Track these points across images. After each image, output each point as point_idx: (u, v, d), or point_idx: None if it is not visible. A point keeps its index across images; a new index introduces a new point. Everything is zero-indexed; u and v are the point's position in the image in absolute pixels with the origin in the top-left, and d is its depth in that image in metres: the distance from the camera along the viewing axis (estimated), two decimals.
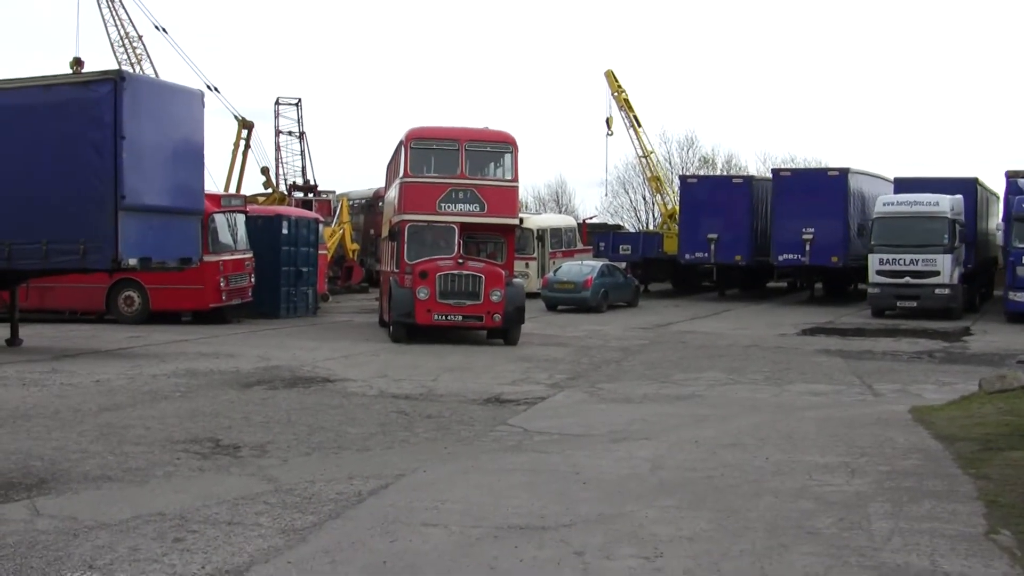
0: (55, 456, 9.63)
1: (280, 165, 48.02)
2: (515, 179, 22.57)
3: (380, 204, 36.12)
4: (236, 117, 44.77)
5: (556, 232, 41.77)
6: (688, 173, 59.64)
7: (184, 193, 19.03)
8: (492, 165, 22.85)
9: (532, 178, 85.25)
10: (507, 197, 22.43)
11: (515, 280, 22.43)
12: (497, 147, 22.72)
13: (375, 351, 19.85)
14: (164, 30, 43.75)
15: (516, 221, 23.36)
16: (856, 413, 12.57)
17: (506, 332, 21.55)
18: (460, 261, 21.27)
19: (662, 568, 6.42)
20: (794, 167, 59.23)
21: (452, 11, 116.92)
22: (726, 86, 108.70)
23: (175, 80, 27.47)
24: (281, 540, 7.02)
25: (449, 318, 21.07)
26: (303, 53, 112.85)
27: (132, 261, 17.76)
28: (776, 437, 10.71)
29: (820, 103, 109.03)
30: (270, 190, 45.96)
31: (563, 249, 40.98)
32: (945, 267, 29.01)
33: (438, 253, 21.60)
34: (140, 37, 45.14)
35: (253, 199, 39.44)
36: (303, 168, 48.13)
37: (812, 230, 33.74)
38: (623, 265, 38.79)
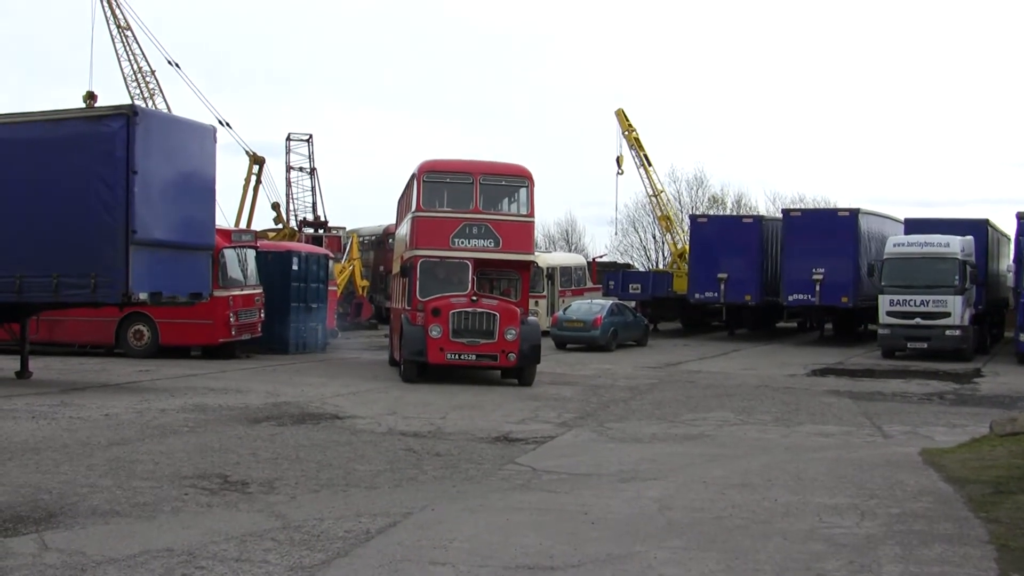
0: (63, 490, 9.62)
1: (291, 201, 48.32)
2: (531, 214, 21.96)
3: (390, 241, 36.15)
4: (247, 152, 45.15)
5: (566, 270, 41.82)
6: (698, 212, 59.89)
7: (195, 228, 19.07)
8: (507, 200, 22.39)
9: (542, 216, 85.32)
10: (523, 232, 21.82)
11: (530, 318, 21.84)
12: (512, 181, 22.11)
13: (384, 388, 19.81)
14: (177, 65, 44.28)
15: (532, 257, 22.84)
16: (866, 455, 12.51)
17: (521, 371, 20.91)
18: (474, 298, 20.60)
19: None
20: (804, 207, 59.40)
21: (464, 49, 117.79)
22: (736, 125, 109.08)
23: (187, 115, 27.61)
24: None
25: (463, 357, 20.43)
26: (316, 89, 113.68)
27: (143, 296, 17.79)
28: (785, 478, 10.66)
29: (830, 142, 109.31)
30: (280, 225, 46.20)
31: (573, 287, 41.00)
32: (956, 308, 28.93)
33: (451, 290, 20.97)
34: (153, 72, 45.60)
35: (264, 234, 39.66)
36: (314, 204, 48.43)
37: (822, 270, 33.74)
38: (633, 304, 38.84)
